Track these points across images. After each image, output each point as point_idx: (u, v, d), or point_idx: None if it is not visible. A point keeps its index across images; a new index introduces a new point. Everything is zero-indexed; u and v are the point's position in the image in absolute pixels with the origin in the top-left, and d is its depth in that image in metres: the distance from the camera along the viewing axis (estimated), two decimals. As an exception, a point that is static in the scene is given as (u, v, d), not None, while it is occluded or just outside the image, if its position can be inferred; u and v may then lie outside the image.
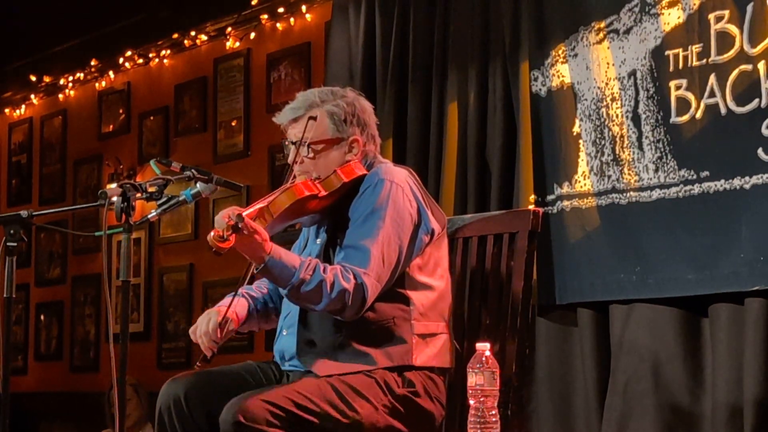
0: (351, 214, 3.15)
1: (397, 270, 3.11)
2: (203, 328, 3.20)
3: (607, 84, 4.43)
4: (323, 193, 3.13)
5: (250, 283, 3.37)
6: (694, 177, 4.13)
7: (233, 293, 3.25)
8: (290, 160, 3.21)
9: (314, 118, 3.20)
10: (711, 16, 4.12)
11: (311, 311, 3.10)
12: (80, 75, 7.88)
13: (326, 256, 3.17)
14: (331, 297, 2.99)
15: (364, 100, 3.33)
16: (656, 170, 4.24)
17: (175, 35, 7.11)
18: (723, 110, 4.06)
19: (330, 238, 3.21)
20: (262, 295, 3.42)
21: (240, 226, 2.89)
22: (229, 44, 6.81)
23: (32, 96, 8.34)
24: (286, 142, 3.26)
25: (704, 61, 4.13)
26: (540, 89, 4.65)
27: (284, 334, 3.24)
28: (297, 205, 3.08)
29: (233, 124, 6.83)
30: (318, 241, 3.26)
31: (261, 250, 2.97)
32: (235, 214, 2.90)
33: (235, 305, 3.27)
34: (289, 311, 3.23)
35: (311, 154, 3.21)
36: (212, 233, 2.91)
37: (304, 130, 3.18)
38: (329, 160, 3.21)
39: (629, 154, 4.34)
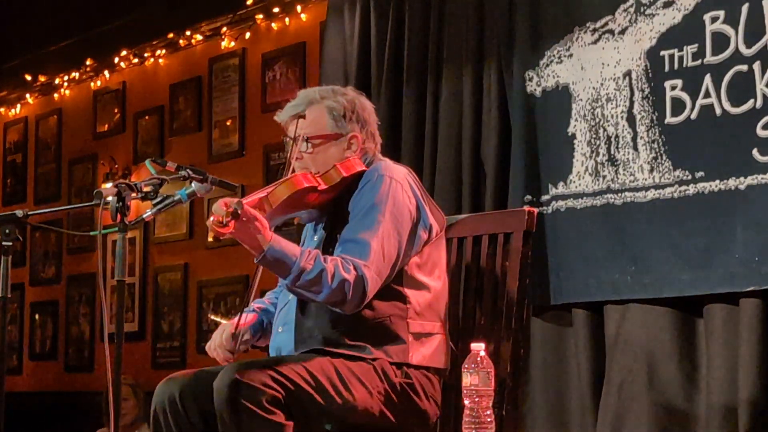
0: (350, 210, 3.16)
1: (396, 265, 3.11)
2: (217, 341, 3.26)
3: (602, 84, 4.43)
4: (323, 186, 3.14)
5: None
6: (689, 177, 4.13)
7: (243, 308, 3.27)
8: (289, 156, 3.22)
9: (303, 117, 3.22)
10: (706, 17, 4.12)
11: (311, 302, 3.10)
12: (75, 74, 7.87)
13: (325, 253, 3.16)
14: (332, 287, 2.98)
15: (365, 99, 3.34)
16: (651, 170, 4.24)
17: (170, 35, 7.11)
18: (718, 111, 4.06)
19: (328, 235, 3.21)
20: (274, 306, 3.42)
21: (239, 212, 2.90)
22: (224, 44, 6.81)
23: (27, 95, 8.34)
24: (286, 139, 3.27)
25: (699, 61, 4.13)
26: (535, 89, 4.65)
27: (279, 330, 3.25)
28: (296, 196, 3.09)
29: (228, 123, 6.82)
30: (316, 237, 3.27)
31: (261, 237, 2.98)
32: (234, 201, 2.91)
33: (246, 317, 3.30)
34: (285, 307, 3.24)
35: (310, 149, 3.22)
36: (212, 218, 2.93)
37: (296, 126, 3.20)
38: (328, 155, 3.23)
39: (624, 155, 4.34)
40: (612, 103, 4.39)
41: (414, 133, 5.08)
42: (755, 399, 3.87)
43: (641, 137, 4.28)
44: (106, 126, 7.75)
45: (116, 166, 7.55)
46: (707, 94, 4.09)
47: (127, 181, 3.02)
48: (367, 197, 3.13)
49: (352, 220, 3.14)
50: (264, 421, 2.89)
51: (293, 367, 2.98)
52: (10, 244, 3.03)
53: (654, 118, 4.26)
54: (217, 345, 3.26)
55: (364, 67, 5.32)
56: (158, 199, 3.02)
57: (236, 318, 3.27)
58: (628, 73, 4.35)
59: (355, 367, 3.07)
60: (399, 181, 3.17)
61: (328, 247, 3.18)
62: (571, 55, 4.55)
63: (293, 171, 3.22)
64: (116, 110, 7.66)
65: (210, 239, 6.52)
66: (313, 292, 3.01)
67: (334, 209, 3.21)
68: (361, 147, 3.26)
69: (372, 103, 3.37)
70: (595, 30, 4.47)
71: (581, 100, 4.50)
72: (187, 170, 3.09)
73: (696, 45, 4.14)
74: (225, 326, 3.29)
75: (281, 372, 2.94)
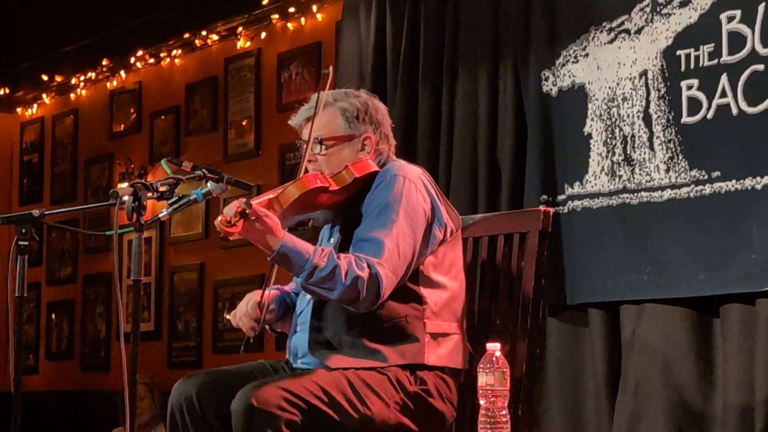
0: (364, 211, 3.15)
1: (411, 264, 3.10)
2: (243, 310, 3.25)
3: (618, 84, 4.43)
4: (334, 186, 3.13)
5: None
6: (706, 177, 4.12)
7: (264, 288, 3.26)
8: (302, 158, 3.22)
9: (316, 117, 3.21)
10: (722, 16, 4.11)
11: (326, 300, 3.09)
12: (92, 74, 7.90)
13: (341, 254, 3.16)
14: (346, 284, 2.97)
15: (378, 101, 3.33)
16: (667, 170, 4.24)
17: (186, 35, 7.13)
18: (734, 110, 4.06)
19: (344, 238, 3.20)
20: (294, 294, 3.42)
21: (247, 212, 2.90)
22: (239, 44, 6.83)
23: (44, 95, 8.37)
24: (300, 142, 3.27)
25: (716, 61, 4.12)
26: (551, 89, 4.64)
27: (297, 330, 3.24)
28: (307, 196, 3.08)
29: (244, 123, 6.83)
30: (332, 240, 3.26)
31: (271, 236, 2.97)
32: (243, 201, 2.91)
33: (270, 292, 3.27)
34: (303, 308, 3.24)
35: (323, 151, 3.22)
36: (220, 218, 2.93)
37: (309, 129, 3.19)
38: (341, 157, 3.22)
39: (640, 154, 4.33)
40: (628, 103, 4.39)
41: (429, 133, 5.08)
42: (772, 399, 3.86)
43: (657, 137, 4.28)
44: (122, 126, 7.77)
45: (132, 165, 7.57)
46: (724, 94, 4.09)
47: (143, 180, 3.03)
48: (381, 197, 3.13)
49: (366, 219, 3.13)
50: None
51: (308, 386, 2.96)
52: (27, 243, 3.04)
53: (670, 117, 4.25)
54: (242, 314, 3.24)
55: (380, 67, 5.32)
56: (174, 199, 3.03)
57: (263, 288, 3.25)
58: (644, 73, 4.34)
59: (369, 378, 3.05)
60: (413, 180, 3.15)
61: (344, 249, 3.15)
62: (587, 55, 4.54)
63: (306, 173, 3.21)
64: (132, 110, 7.68)
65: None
66: (326, 289, 3.00)
67: (349, 211, 3.19)
68: (374, 148, 3.25)
69: (387, 103, 3.36)
70: (611, 30, 4.46)
71: (597, 99, 4.49)
72: (203, 170, 3.09)
73: (712, 44, 4.13)
74: (251, 296, 3.27)
75: (296, 393, 2.92)
